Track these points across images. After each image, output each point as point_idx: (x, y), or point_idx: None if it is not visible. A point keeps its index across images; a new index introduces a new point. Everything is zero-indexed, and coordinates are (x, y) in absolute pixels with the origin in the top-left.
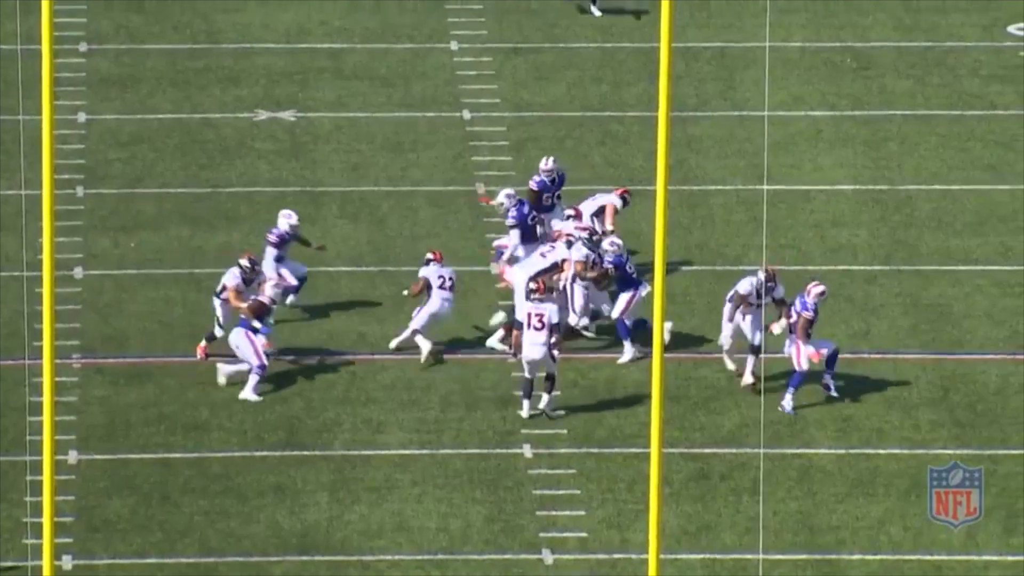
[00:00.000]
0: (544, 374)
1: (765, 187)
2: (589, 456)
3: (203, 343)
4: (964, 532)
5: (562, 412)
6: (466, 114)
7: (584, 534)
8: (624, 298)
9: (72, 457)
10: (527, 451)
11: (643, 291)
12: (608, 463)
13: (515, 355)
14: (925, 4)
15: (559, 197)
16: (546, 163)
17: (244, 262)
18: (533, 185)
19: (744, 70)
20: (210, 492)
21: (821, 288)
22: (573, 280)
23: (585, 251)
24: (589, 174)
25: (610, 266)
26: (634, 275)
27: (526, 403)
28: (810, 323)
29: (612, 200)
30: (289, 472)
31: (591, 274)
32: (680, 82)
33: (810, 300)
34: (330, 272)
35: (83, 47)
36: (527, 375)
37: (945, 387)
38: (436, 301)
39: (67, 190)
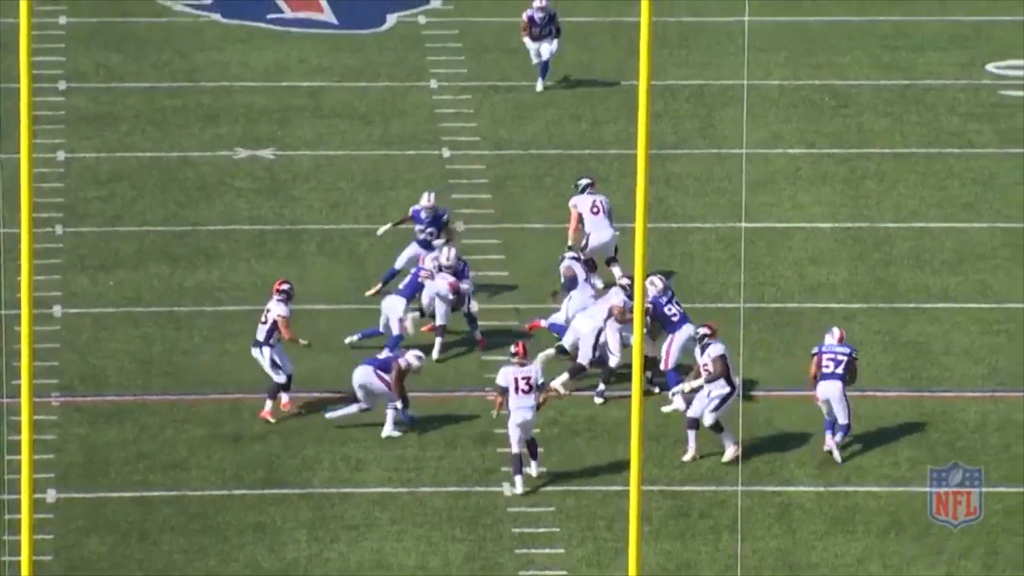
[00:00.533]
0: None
1: (744, 225)
2: (568, 494)
3: (280, 400)
4: (945, 571)
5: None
6: (445, 152)
7: (563, 572)
8: (664, 348)
9: (51, 496)
10: (507, 489)
11: (679, 333)
12: (587, 501)
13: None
14: (903, 42)
15: (432, 234)
16: (428, 199)
17: (284, 287)
18: (410, 212)
19: (723, 108)
20: (189, 531)
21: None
22: (607, 319)
23: (623, 297)
24: (568, 212)
25: (649, 305)
26: (674, 317)
27: (519, 479)
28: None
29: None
30: (268, 510)
31: (628, 318)
32: (659, 120)
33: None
34: (309, 310)
35: (62, 85)
36: (515, 447)
37: (924, 425)
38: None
39: (46, 228)
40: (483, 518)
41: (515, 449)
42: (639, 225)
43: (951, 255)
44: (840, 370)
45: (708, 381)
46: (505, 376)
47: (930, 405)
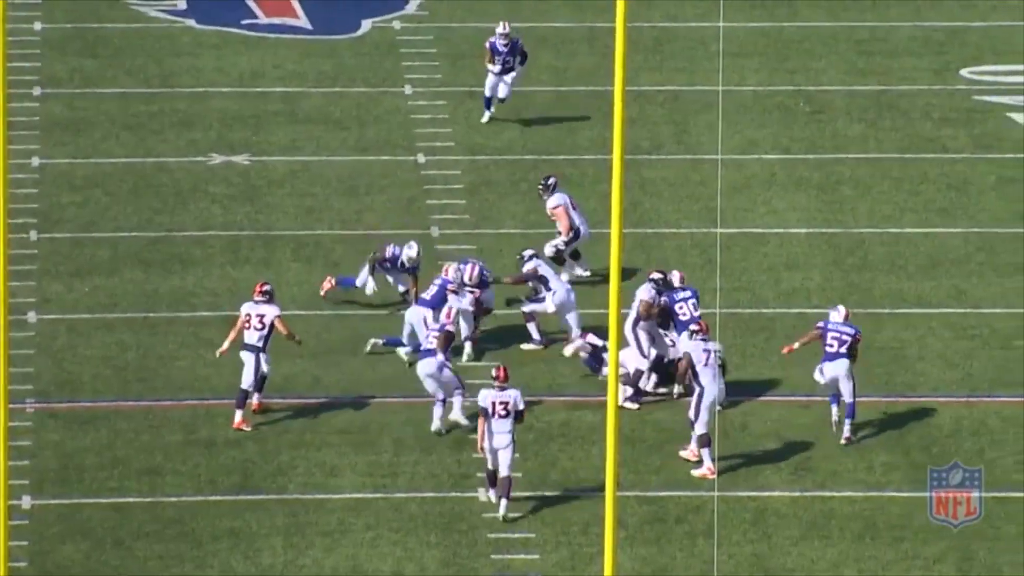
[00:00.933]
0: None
1: (719, 230)
2: (544, 499)
3: (251, 404)
4: (921, 575)
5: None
6: (420, 157)
7: None
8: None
9: (25, 502)
10: (482, 494)
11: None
12: (563, 506)
13: (480, 449)
14: (877, 48)
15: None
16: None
17: (267, 287)
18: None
19: (698, 114)
20: (164, 537)
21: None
22: (635, 324)
23: (652, 292)
24: (543, 217)
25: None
26: (683, 316)
27: (492, 492)
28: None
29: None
30: (243, 516)
31: (654, 312)
32: (634, 126)
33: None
34: (283, 316)
35: (37, 91)
36: (491, 465)
37: (899, 430)
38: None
39: (21, 234)
40: (458, 524)
41: (491, 466)
42: (614, 230)
43: (925, 260)
44: (845, 350)
45: (677, 382)
46: (483, 399)
47: (905, 410)
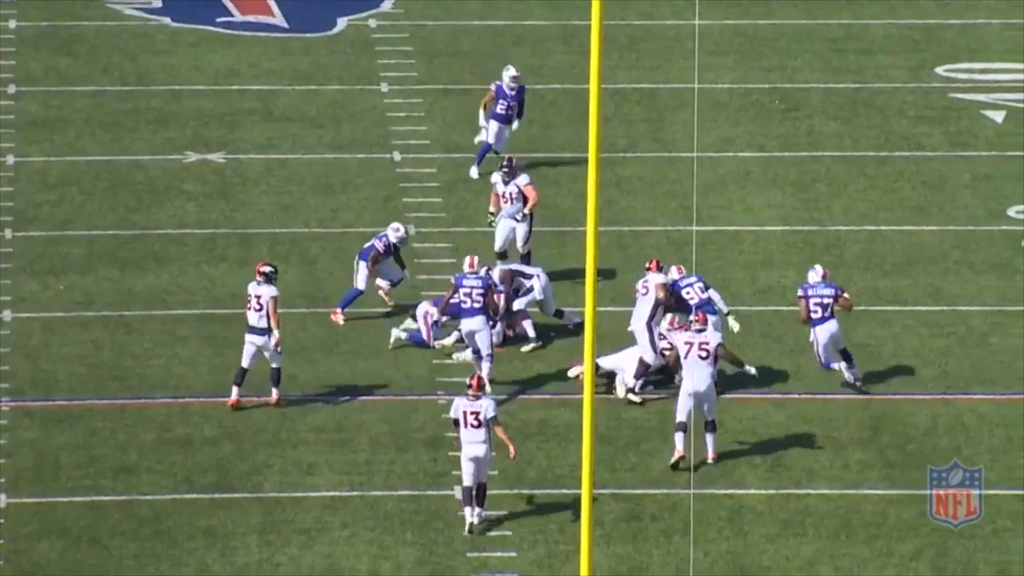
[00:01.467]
0: (477, 483)
1: (695, 228)
2: (520, 497)
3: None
4: (895, 573)
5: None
6: (396, 156)
7: (516, 575)
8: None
9: (0, 501)
10: (458, 492)
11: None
12: (539, 504)
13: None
14: (852, 46)
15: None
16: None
17: (266, 268)
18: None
19: (673, 112)
20: (140, 535)
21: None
22: (651, 318)
23: (662, 275)
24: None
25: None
26: (691, 300)
27: (468, 510)
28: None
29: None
30: (219, 515)
31: (670, 297)
32: (610, 124)
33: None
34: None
35: (11, 89)
36: (467, 479)
37: (875, 427)
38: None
39: None
40: (435, 522)
41: (467, 482)
42: (590, 228)
43: (901, 258)
44: (828, 312)
45: (674, 372)
46: (456, 409)
47: (880, 408)
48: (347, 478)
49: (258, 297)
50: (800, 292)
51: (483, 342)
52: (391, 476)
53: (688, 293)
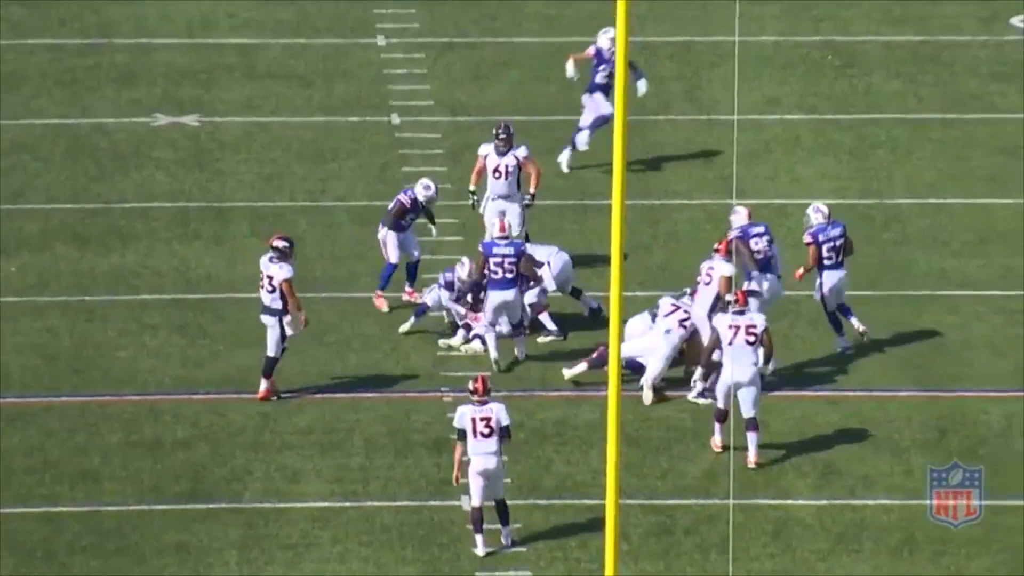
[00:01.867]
0: (494, 500)
1: (735, 202)
2: (536, 508)
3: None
4: None
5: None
6: (395, 118)
7: None
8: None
9: None
10: (465, 503)
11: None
12: (558, 516)
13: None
14: None
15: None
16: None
17: (279, 243)
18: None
19: (711, 68)
20: (103, 551)
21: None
22: (714, 307)
23: (731, 266)
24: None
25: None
26: (759, 255)
27: (480, 538)
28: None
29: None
30: (193, 528)
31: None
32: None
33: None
34: (239, 299)
35: None
36: (476, 499)
37: (941, 429)
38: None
39: None
40: (438, 536)
41: (476, 502)
42: (616, 202)
43: (972, 235)
44: (841, 257)
45: (701, 361)
46: (461, 417)
47: (947, 406)
48: (338, 486)
49: (270, 278)
50: (808, 237)
51: (516, 317)
52: (389, 484)
53: (756, 244)
